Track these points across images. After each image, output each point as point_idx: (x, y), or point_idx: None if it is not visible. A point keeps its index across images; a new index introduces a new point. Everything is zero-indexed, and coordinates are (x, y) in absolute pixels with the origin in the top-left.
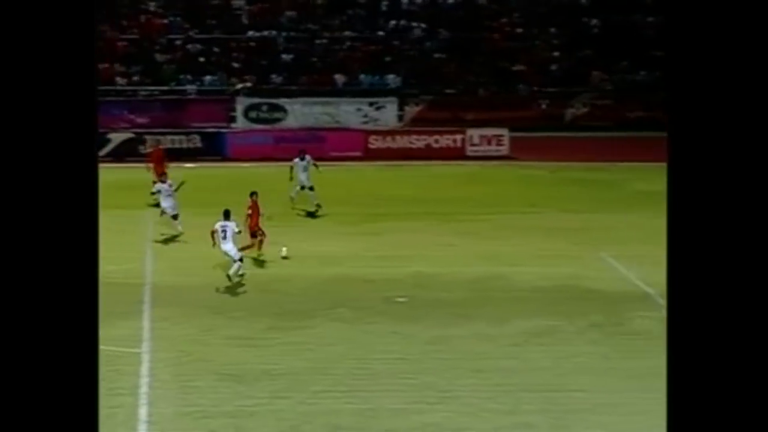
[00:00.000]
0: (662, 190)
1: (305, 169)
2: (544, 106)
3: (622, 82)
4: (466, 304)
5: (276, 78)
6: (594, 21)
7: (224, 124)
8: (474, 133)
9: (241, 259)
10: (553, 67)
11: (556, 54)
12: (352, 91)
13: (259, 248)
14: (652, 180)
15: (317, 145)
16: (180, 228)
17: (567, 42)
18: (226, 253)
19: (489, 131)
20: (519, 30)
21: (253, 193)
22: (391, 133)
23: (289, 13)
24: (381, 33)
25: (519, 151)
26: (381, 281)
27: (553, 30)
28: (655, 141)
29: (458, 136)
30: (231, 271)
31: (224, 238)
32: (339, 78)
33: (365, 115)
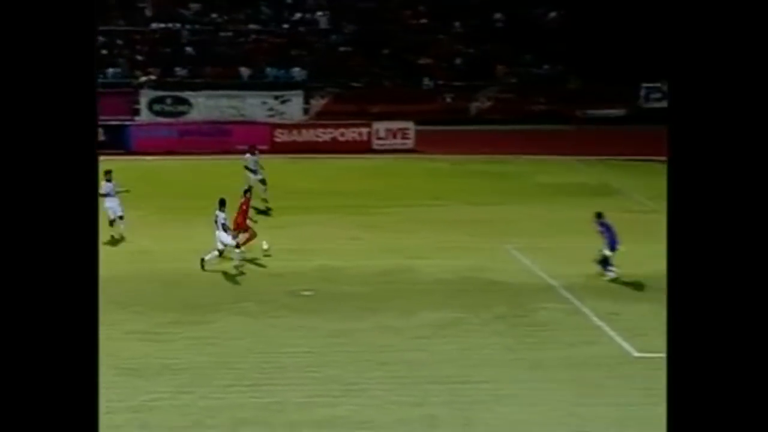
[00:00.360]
0: (565, 183)
1: (256, 163)
2: (449, 100)
3: (526, 76)
4: (371, 297)
5: (180, 71)
6: (498, 15)
7: (128, 117)
8: (380, 127)
9: (237, 246)
10: (458, 60)
11: (460, 48)
12: (257, 84)
13: (243, 244)
14: (555, 173)
15: (222, 138)
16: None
17: (471, 36)
18: (221, 242)
19: (395, 125)
20: (424, 23)
21: (246, 191)
22: (297, 126)
23: (193, 5)
24: (286, 26)
25: (424, 145)
26: (286, 275)
27: (457, 24)
28: (557, 134)
29: (364, 130)
30: (235, 263)
31: (217, 228)
32: (244, 71)
33: (271, 109)
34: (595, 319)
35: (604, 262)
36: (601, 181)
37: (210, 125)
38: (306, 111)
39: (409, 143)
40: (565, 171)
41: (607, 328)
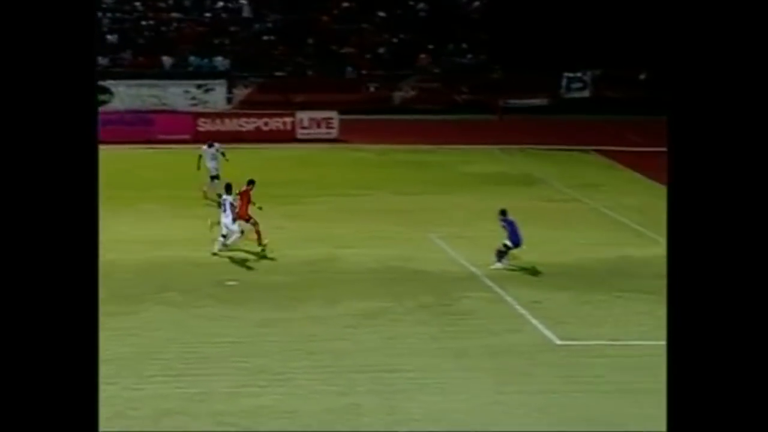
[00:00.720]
0: (488, 172)
1: (214, 157)
2: (372, 89)
3: (449, 66)
4: (297, 286)
5: (101, 59)
6: (421, 5)
7: None
8: (304, 116)
9: (242, 232)
10: (381, 50)
11: (384, 37)
12: (179, 73)
13: (259, 237)
14: (478, 162)
15: (145, 128)
16: None
17: (395, 25)
18: (225, 226)
19: (318, 114)
20: (347, 13)
21: (250, 182)
22: (221, 115)
23: None
24: (209, 14)
25: (348, 134)
26: (211, 264)
27: (380, 13)
28: (480, 124)
29: (288, 119)
30: (229, 240)
31: (224, 211)
32: (166, 60)
33: (193, 98)
34: (518, 307)
35: (502, 253)
36: (523, 170)
37: (132, 114)
38: (229, 100)
39: (333, 133)
40: (488, 160)
41: (529, 317)
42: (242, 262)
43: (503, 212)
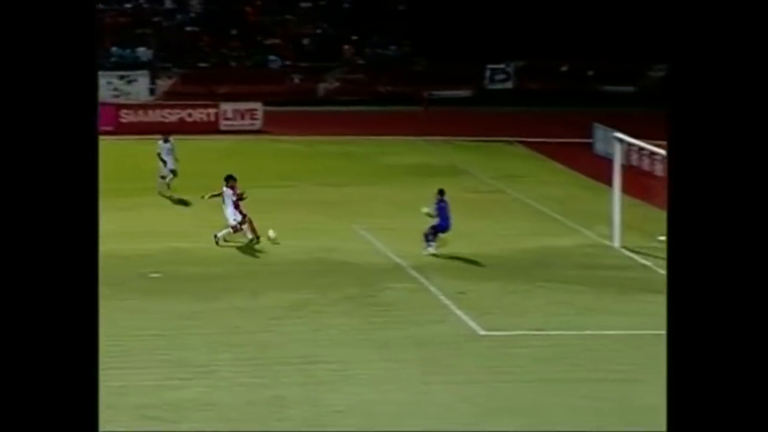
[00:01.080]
0: (413, 163)
1: (170, 152)
2: (296, 81)
3: (373, 57)
4: (222, 278)
5: None
6: None
7: None
8: (227, 108)
9: (233, 228)
10: (305, 41)
11: (308, 28)
12: (102, 64)
13: (253, 231)
14: (402, 153)
15: None
16: None
17: (319, 16)
18: (226, 218)
19: (242, 105)
20: (271, 4)
21: (229, 178)
22: (144, 107)
23: None
24: (130, 5)
25: (272, 125)
26: (135, 257)
27: (304, 4)
28: (405, 115)
29: (212, 111)
30: (220, 233)
31: (224, 203)
32: None
33: (116, 89)
34: (442, 298)
35: (429, 236)
36: (447, 161)
37: None
38: (152, 91)
39: (257, 124)
40: (412, 152)
41: (453, 307)
42: (166, 255)
43: (441, 192)
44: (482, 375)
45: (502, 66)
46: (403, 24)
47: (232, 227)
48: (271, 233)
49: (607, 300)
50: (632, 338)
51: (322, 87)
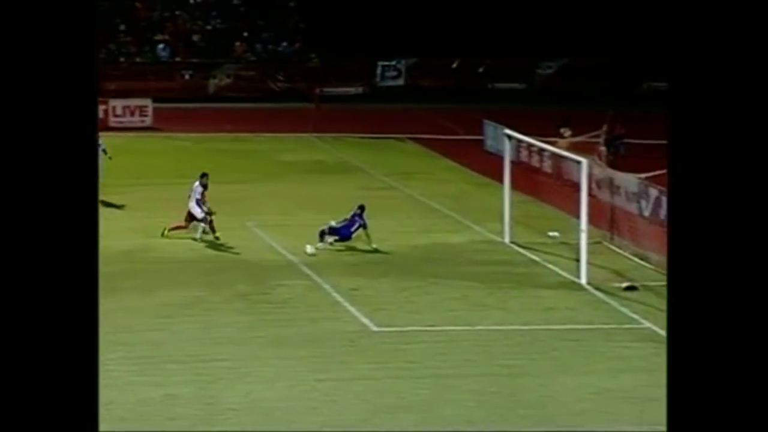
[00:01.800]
0: (305, 160)
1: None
2: (187, 77)
3: (265, 54)
4: (113, 277)
5: None
6: None
7: None
8: (117, 104)
9: (203, 221)
10: (195, 37)
11: (198, 24)
12: None
13: (212, 229)
14: (295, 150)
15: None
16: None
17: (209, 12)
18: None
19: (132, 102)
20: None
21: (204, 175)
22: None
23: None
24: None
25: (163, 122)
26: None
27: (194, 0)
28: (297, 112)
29: (101, 107)
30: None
31: (189, 197)
32: None
33: None
34: (335, 294)
35: (324, 234)
36: (339, 158)
37: None
38: None
39: (147, 121)
40: (305, 149)
41: (347, 304)
42: None
43: (361, 208)
44: (375, 371)
45: (393, 63)
46: (295, 20)
47: (200, 219)
48: (309, 248)
49: (499, 295)
50: (523, 333)
51: (212, 83)
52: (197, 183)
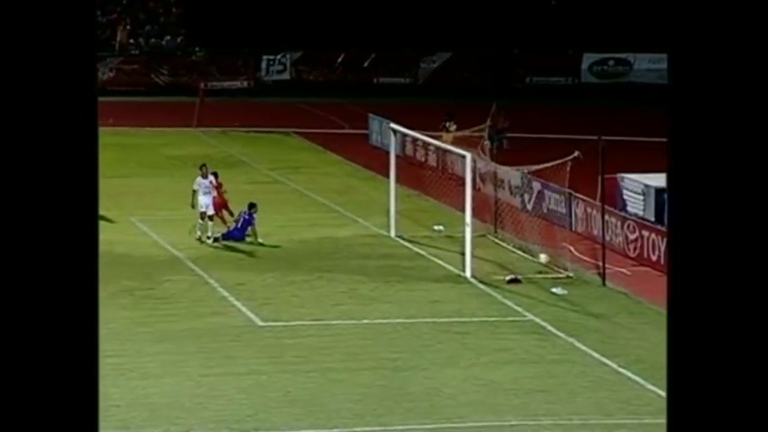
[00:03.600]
0: (190, 154)
1: None
2: None
3: (147, 47)
4: None
5: None
6: None
7: None
8: None
9: (210, 218)
10: None
11: None
12: None
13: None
14: (180, 144)
15: None
16: None
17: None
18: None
19: None
20: None
21: (202, 165)
22: None
23: None
24: None
25: None
26: None
27: None
28: (181, 106)
29: None
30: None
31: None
32: None
33: None
34: (221, 289)
35: (204, 216)
36: (225, 152)
37: None
38: None
39: None
40: (190, 142)
41: (232, 299)
42: None
43: (251, 206)
44: (262, 366)
45: (278, 57)
46: (178, 13)
47: (210, 218)
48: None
49: (385, 289)
50: (409, 326)
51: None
52: (202, 179)
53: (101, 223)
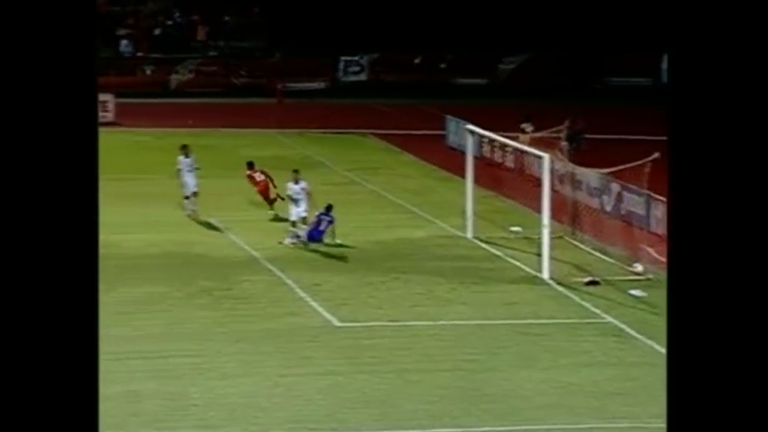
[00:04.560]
0: (268, 156)
1: None
2: (149, 72)
3: (227, 49)
4: None
5: None
6: None
7: None
8: None
9: (293, 224)
10: (157, 32)
11: (160, 19)
12: None
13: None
14: (258, 146)
15: None
16: None
17: (171, 7)
18: (295, 215)
19: None
20: None
21: (250, 164)
22: None
23: None
24: None
25: (125, 117)
26: None
27: None
28: (259, 107)
29: None
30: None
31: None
32: None
33: None
34: (298, 290)
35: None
36: (302, 153)
37: None
38: None
39: (109, 116)
40: (267, 144)
41: (309, 299)
42: None
43: (329, 207)
44: (339, 366)
45: (356, 58)
46: (257, 15)
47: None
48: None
49: (461, 290)
50: (485, 328)
51: (174, 79)
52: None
53: (180, 225)
